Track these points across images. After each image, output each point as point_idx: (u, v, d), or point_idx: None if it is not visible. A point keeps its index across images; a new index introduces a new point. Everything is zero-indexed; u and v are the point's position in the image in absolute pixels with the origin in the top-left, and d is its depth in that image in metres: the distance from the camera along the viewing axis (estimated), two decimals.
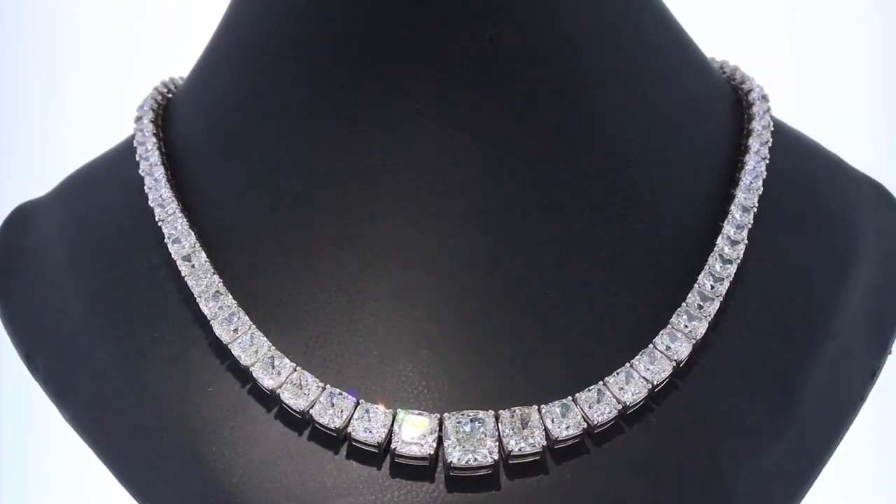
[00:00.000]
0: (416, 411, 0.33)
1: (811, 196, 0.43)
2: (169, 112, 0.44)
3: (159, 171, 0.40)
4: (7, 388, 0.84)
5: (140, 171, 0.40)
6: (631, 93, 0.40)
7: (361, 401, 0.33)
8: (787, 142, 0.45)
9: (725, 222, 0.39)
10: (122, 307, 0.37)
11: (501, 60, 0.37)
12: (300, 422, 0.34)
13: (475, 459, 0.33)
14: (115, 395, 0.35)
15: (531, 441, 0.33)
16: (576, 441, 0.34)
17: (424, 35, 0.36)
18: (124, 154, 0.44)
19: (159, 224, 0.38)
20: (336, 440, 0.34)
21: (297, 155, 0.38)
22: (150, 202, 0.39)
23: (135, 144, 0.42)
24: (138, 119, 0.43)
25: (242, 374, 0.35)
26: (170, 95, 0.46)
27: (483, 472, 0.33)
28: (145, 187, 0.39)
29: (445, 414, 0.33)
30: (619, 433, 0.35)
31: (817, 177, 0.44)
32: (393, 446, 0.33)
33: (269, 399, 0.34)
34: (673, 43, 0.42)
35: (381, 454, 0.33)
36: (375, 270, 0.36)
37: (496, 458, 0.33)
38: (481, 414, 0.33)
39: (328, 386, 0.33)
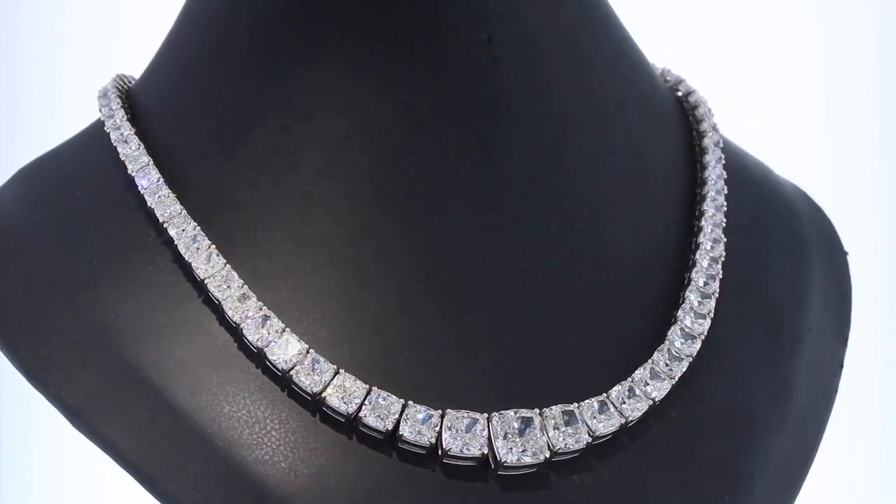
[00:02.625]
0: (465, 411, 0.33)
1: (757, 198, 0.45)
2: (134, 109, 0.42)
3: (154, 172, 0.37)
4: (7, 389, 0.82)
5: (129, 172, 0.38)
6: (607, 96, 0.41)
7: (410, 402, 0.33)
8: (725, 146, 0.46)
9: (703, 220, 0.40)
10: (131, 313, 0.35)
11: (500, 60, 0.37)
12: (345, 425, 0.33)
13: (528, 458, 0.32)
14: (137, 402, 0.33)
15: (577, 438, 0.33)
16: (607, 437, 0.34)
17: (425, 34, 0.36)
18: (90, 149, 0.41)
19: (165, 226, 0.36)
20: (382, 442, 0.33)
21: (300, 153, 0.36)
22: (149, 204, 0.37)
23: (113, 143, 0.39)
24: (110, 116, 0.40)
25: (280, 379, 0.33)
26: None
27: (528, 470, 0.33)
28: (139, 188, 0.37)
29: (495, 413, 0.33)
30: (646, 428, 0.35)
31: (757, 180, 0.47)
32: (446, 447, 0.32)
33: (310, 403, 0.33)
34: (629, 46, 0.43)
35: (429, 455, 0.33)
36: (397, 270, 0.35)
37: (547, 455, 0.32)
38: (528, 413, 0.33)
39: (374, 388, 0.33)
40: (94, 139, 0.41)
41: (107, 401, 0.33)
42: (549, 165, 0.38)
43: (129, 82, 0.45)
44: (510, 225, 0.37)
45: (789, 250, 0.43)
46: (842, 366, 0.43)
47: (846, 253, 0.47)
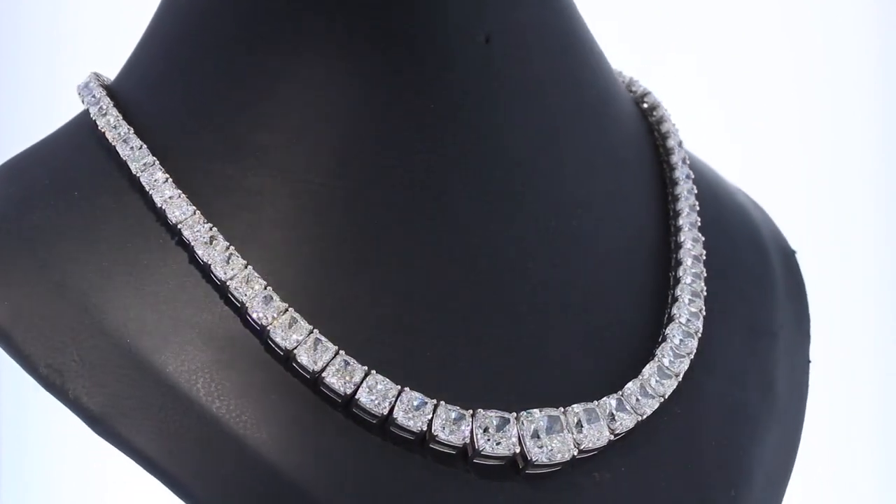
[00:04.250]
0: (494, 411, 0.33)
1: (715, 199, 0.46)
2: (117, 108, 0.40)
3: (160, 172, 0.36)
4: (7, 389, 0.81)
5: (133, 172, 0.37)
6: (586, 97, 0.41)
7: (441, 402, 0.33)
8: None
9: (680, 219, 0.41)
10: (149, 316, 0.34)
11: (497, 60, 0.37)
12: (375, 426, 0.33)
13: (557, 457, 0.33)
14: (163, 407, 0.33)
15: (600, 435, 0.34)
16: (622, 435, 0.35)
17: (425, 34, 0.36)
18: (78, 148, 0.40)
19: (178, 227, 0.35)
20: (412, 443, 0.33)
21: (306, 153, 0.36)
22: (158, 205, 0.36)
23: (112, 143, 0.38)
24: (103, 115, 0.39)
25: (308, 381, 0.33)
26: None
27: (553, 469, 0.33)
28: (147, 189, 0.36)
29: (523, 412, 0.33)
30: (654, 426, 0.36)
31: (711, 182, 0.48)
32: (478, 447, 0.32)
33: (340, 405, 0.33)
34: (596, 47, 0.44)
35: (458, 456, 0.33)
36: (407, 271, 0.36)
37: (575, 453, 0.33)
38: (554, 411, 0.33)
39: (406, 388, 0.33)
40: (79, 137, 0.40)
41: (132, 406, 0.33)
42: (547, 164, 0.38)
43: (105, 81, 0.43)
44: (513, 223, 0.37)
45: (752, 250, 0.45)
46: (809, 361, 0.44)
47: (794, 252, 0.49)
